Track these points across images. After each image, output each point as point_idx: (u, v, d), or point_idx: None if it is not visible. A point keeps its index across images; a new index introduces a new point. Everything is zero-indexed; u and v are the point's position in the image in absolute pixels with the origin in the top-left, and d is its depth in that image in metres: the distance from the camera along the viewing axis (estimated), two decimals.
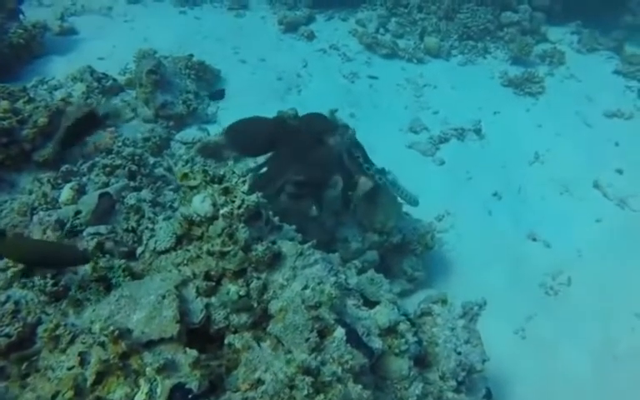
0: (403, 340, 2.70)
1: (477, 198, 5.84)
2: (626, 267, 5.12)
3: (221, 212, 2.54)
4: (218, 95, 6.72)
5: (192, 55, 6.80)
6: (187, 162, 5.11)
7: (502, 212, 5.72)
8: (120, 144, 4.81)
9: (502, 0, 9.22)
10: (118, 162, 4.43)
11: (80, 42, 7.43)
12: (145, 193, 4.13)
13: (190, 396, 2.01)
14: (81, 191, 4.01)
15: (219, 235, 2.53)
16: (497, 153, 6.60)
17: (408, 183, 5.12)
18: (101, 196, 3.81)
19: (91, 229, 3.55)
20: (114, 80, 6.33)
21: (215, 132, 5.78)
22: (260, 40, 8.46)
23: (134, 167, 4.44)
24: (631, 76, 8.54)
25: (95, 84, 6.05)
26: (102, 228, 3.56)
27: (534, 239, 5.43)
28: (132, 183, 4.31)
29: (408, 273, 4.53)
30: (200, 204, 2.56)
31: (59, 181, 4.21)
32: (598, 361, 4.35)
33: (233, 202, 2.54)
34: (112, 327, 2.07)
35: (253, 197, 2.57)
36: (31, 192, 4.09)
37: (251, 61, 7.83)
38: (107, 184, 4.24)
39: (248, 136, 4.55)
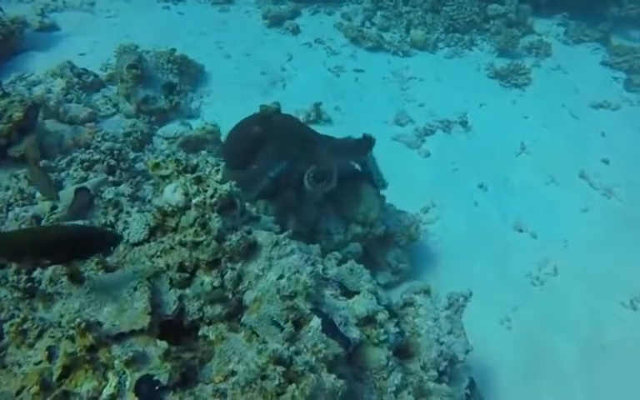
0: (382, 330, 2.65)
1: (463, 190, 5.81)
2: (612, 256, 5.10)
3: (193, 201, 2.48)
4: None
5: (174, 49, 6.71)
6: (167, 156, 5.04)
7: (488, 204, 5.69)
8: (99, 139, 4.73)
9: None
10: (97, 156, 4.36)
11: (61, 38, 7.33)
12: (124, 188, 4.06)
13: (156, 388, 1.95)
14: (58, 186, 3.93)
15: (191, 225, 2.47)
16: (484, 145, 6.57)
17: (393, 176, 5.08)
18: (77, 190, 3.75)
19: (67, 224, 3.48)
20: (95, 76, 6.25)
21: (197, 126, 5.71)
22: (244, 34, 8.38)
23: (113, 162, 4.37)
24: (617, 67, 8.56)
25: (75, 80, 5.98)
26: (79, 223, 3.50)
27: (520, 230, 5.40)
28: (110, 178, 4.24)
29: (393, 265, 4.48)
30: (171, 194, 2.50)
31: None
32: (586, 351, 4.31)
33: (206, 191, 2.49)
34: (78, 320, 2.01)
35: (226, 186, 2.52)
36: (7, 188, 4.02)
37: (235, 55, 7.75)
38: (85, 179, 4.17)
39: (238, 148, 4.44)
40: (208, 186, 2.50)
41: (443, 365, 2.96)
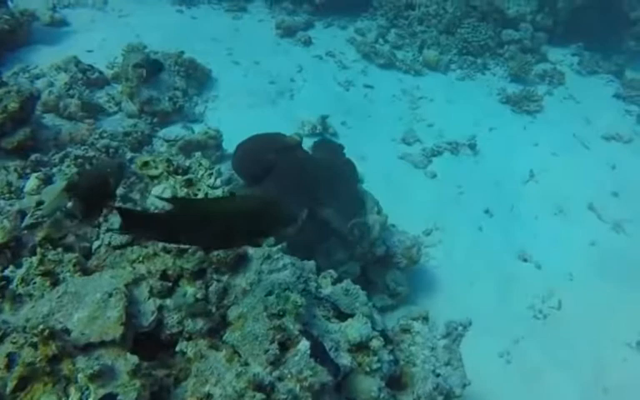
0: (375, 358, 2.47)
1: (467, 214, 5.64)
2: (619, 293, 4.92)
3: None
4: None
5: (182, 52, 6.61)
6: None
7: (492, 230, 5.52)
8: (97, 137, 4.60)
9: (503, 17, 9.07)
10: (92, 153, 4.22)
11: (70, 34, 7.24)
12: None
13: None
14: (47, 180, 3.78)
15: None
16: (491, 170, 6.41)
17: (397, 195, 4.93)
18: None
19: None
20: (100, 73, 6.14)
21: (200, 130, 5.58)
22: (256, 43, 8.28)
23: None
24: (630, 100, 8.41)
25: (79, 75, 5.87)
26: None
27: (525, 260, 5.23)
28: None
29: (391, 288, 4.31)
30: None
31: (27, 170, 4.00)
32: (587, 392, 4.13)
33: (196, 195, 2.33)
34: (42, 326, 1.84)
35: (218, 192, 2.36)
36: None
37: (244, 63, 7.64)
38: None
39: (250, 168, 4.27)
40: (199, 190, 2.35)
41: (439, 399, 2.78)
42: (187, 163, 2.50)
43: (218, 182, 2.37)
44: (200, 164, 2.48)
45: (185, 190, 2.33)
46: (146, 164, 2.48)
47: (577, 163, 6.73)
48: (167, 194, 2.32)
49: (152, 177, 2.46)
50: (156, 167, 2.45)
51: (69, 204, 3.15)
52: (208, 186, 2.36)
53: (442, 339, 3.28)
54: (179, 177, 2.40)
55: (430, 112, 7.38)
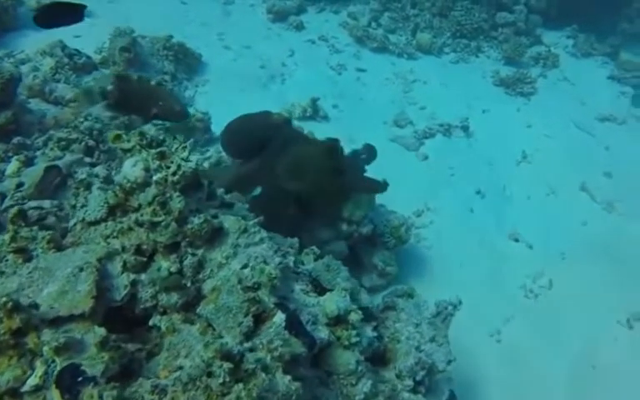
0: (354, 332, 2.43)
1: (459, 195, 5.59)
2: (610, 272, 4.88)
3: (154, 178, 2.28)
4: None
5: (171, 36, 6.55)
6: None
7: (484, 211, 5.47)
8: (81, 119, 4.54)
9: (497, 0, 8.98)
10: (75, 136, 4.16)
11: None
12: (99, 169, 3.85)
13: (79, 378, 1.73)
14: (28, 163, 3.74)
15: (150, 203, 2.26)
16: (484, 151, 6.36)
17: (388, 177, 4.87)
18: (48, 169, 3.55)
19: (33, 203, 3.28)
20: (88, 57, 6.06)
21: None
22: (247, 28, 8.21)
23: (92, 143, 4.17)
24: (625, 82, 8.34)
25: (66, 60, 5.78)
26: (47, 203, 3.30)
27: (516, 239, 5.18)
28: (87, 159, 4.03)
29: (379, 268, 4.26)
30: (131, 169, 2.30)
31: (10, 154, 3.94)
32: (576, 370, 4.09)
33: (168, 167, 2.28)
34: (4, 299, 1.80)
35: (191, 164, 2.31)
36: None
37: (235, 47, 7.58)
38: (60, 159, 3.97)
39: (243, 138, 4.27)
40: (172, 162, 2.30)
41: (421, 374, 2.75)
42: (162, 136, 2.44)
43: (192, 155, 2.32)
44: (175, 138, 2.43)
45: (157, 163, 2.28)
46: (118, 137, 2.43)
47: (571, 144, 6.68)
48: (140, 167, 2.27)
49: (125, 151, 2.41)
50: (128, 141, 2.40)
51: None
52: (182, 159, 2.30)
53: (427, 315, 3.22)
54: (152, 150, 2.35)
55: (423, 95, 7.32)
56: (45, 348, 1.80)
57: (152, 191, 2.28)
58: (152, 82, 4.18)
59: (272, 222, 2.75)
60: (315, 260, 2.96)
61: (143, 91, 4.13)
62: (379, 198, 4.50)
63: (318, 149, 3.89)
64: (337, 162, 3.83)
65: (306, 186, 3.74)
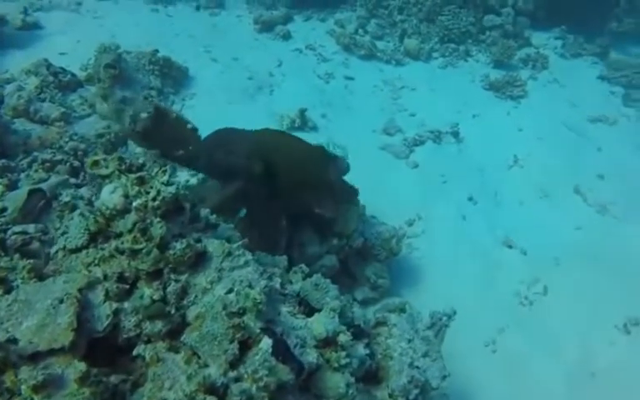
0: (344, 353, 2.37)
1: (451, 203, 5.55)
2: (606, 276, 4.83)
3: (133, 204, 2.22)
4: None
5: (157, 50, 6.49)
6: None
7: (477, 218, 5.42)
8: (66, 139, 4.48)
9: (484, 3, 8.97)
10: (59, 157, 4.10)
11: (43, 37, 7.12)
12: (84, 191, 3.79)
13: None
14: (12, 186, 3.67)
15: (130, 230, 2.21)
16: (475, 157, 6.32)
17: (378, 187, 4.84)
18: (31, 192, 3.48)
19: (17, 228, 3.21)
20: (73, 75, 6.00)
21: None
22: (234, 39, 8.19)
23: (77, 163, 4.11)
24: (615, 81, 8.32)
25: (51, 78, 5.72)
26: (31, 227, 3.23)
27: (510, 246, 5.14)
28: (72, 180, 3.98)
29: (372, 280, 4.22)
30: (109, 195, 2.24)
31: None
32: (574, 378, 4.04)
33: (148, 193, 2.23)
34: None
35: (171, 189, 2.25)
36: None
37: (222, 59, 7.55)
38: (45, 181, 3.91)
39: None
40: (151, 187, 2.24)
41: (414, 393, 2.69)
42: (141, 160, 2.39)
43: (173, 179, 2.26)
44: (155, 161, 2.38)
45: (137, 188, 2.22)
46: (96, 163, 2.37)
47: (562, 147, 6.64)
48: (119, 193, 2.21)
49: (104, 177, 2.35)
50: (106, 167, 2.34)
51: None
52: (162, 183, 2.25)
53: (421, 330, 3.17)
54: (132, 175, 2.29)
55: (412, 101, 7.29)
56: (23, 387, 1.74)
57: (132, 217, 2.23)
58: (189, 125, 4.00)
59: (263, 238, 2.69)
60: (304, 278, 2.90)
61: (177, 131, 3.98)
62: (371, 210, 4.46)
63: (307, 145, 3.96)
64: (327, 153, 3.94)
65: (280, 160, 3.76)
